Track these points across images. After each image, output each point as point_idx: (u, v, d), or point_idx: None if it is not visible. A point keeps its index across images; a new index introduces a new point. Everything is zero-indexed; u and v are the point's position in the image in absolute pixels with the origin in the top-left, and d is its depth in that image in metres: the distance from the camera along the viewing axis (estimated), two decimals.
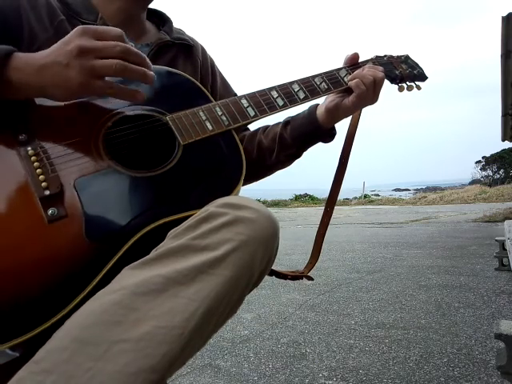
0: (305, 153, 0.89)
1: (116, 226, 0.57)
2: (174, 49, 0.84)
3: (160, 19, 0.89)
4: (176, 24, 0.89)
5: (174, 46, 0.84)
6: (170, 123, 0.68)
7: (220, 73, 0.96)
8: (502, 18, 4.41)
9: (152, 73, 0.60)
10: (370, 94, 0.79)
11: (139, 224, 0.58)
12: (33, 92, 0.59)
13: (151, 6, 0.84)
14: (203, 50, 0.92)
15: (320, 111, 0.83)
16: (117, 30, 0.59)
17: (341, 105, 0.81)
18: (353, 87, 0.79)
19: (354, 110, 0.83)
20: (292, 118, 0.87)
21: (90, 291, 0.53)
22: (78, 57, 0.55)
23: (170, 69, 0.75)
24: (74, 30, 0.57)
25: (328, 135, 0.85)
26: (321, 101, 0.84)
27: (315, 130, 0.83)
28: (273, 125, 0.90)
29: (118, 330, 0.45)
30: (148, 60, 0.60)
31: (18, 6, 0.67)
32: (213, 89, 0.90)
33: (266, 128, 0.91)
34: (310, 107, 0.85)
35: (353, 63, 0.85)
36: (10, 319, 0.50)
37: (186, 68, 0.76)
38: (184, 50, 0.86)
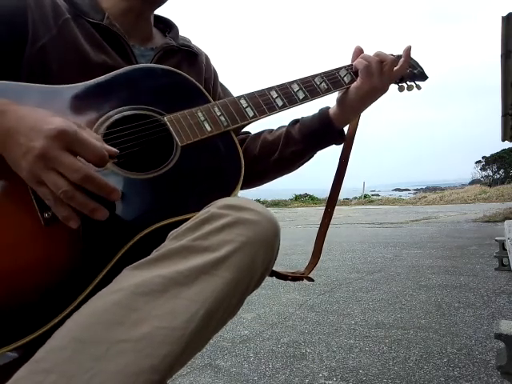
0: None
1: (113, 229, 0.57)
2: (178, 55, 0.84)
3: (166, 26, 0.89)
4: (176, 24, 0.89)
5: (178, 52, 0.84)
6: (168, 124, 0.67)
7: (222, 84, 0.95)
8: (502, 18, 4.41)
9: (105, 212, 0.53)
10: (376, 72, 0.78)
11: (137, 227, 0.58)
12: None
13: (158, 12, 0.84)
14: (207, 58, 0.92)
15: (332, 109, 0.83)
16: (98, 151, 0.52)
17: (349, 90, 0.80)
18: (356, 64, 0.80)
19: (363, 96, 0.80)
20: (302, 117, 0.86)
21: (88, 294, 0.53)
22: (36, 158, 0.50)
23: (169, 67, 0.75)
24: (54, 127, 0.50)
25: (339, 135, 0.84)
26: (321, 101, 0.84)
27: (325, 128, 0.82)
28: (280, 126, 0.89)
29: (118, 330, 0.45)
30: (114, 193, 0.53)
31: (24, 7, 0.66)
32: (213, 99, 0.90)
33: (272, 130, 0.90)
34: (321, 108, 0.85)
35: (357, 57, 0.84)
36: (8, 323, 0.50)
37: (190, 75, 0.76)
38: (188, 57, 0.86)
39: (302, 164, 0.89)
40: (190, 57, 0.87)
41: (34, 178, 0.51)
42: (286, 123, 0.87)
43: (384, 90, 0.81)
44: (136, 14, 0.79)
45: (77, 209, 0.52)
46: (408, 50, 0.82)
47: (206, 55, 0.92)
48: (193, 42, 0.91)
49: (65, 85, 0.65)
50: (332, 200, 0.89)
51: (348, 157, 0.88)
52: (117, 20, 0.76)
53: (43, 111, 0.54)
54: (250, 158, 0.85)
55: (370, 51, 0.84)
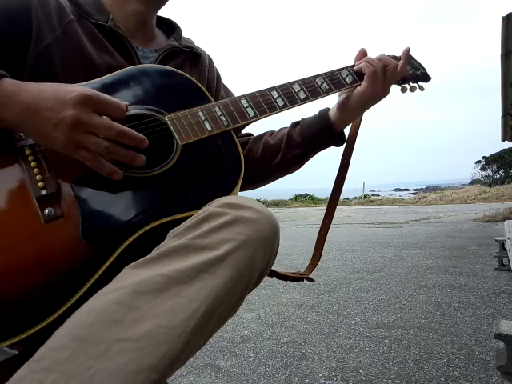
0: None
1: (113, 226, 0.57)
2: (181, 56, 0.84)
3: (169, 27, 0.89)
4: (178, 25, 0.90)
5: (181, 53, 0.84)
6: (169, 123, 0.67)
7: (224, 85, 0.95)
8: (502, 18, 4.41)
9: (143, 157, 0.59)
10: (381, 77, 0.78)
11: (136, 225, 0.58)
12: (8, 125, 0.55)
13: (161, 13, 0.85)
14: (210, 60, 0.92)
15: (332, 110, 0.83)
16: (119, 105, 0.57)
17: (352, 94, 0.80)
18: (362, 67, 0.80)
19: (366, 100, 0.80)
20: (302, 119, 0.86)
21: (86, 291, 0.53)
22: (71, 127, 0.53)
23: (170, 68, 0.75)
24: (77, 94, 0.54)
25: (339, 137, 0.84)
26: (322, 102, 0.84)
27: (326, 130, 0.82)
28: (281, 128, 0.89)
29: (118, 329, 0.45)
30: (144, 141, 0.59)
31: (28, 6, 0.66)
32: (216, 100, 0.90)
33: (273, 131, 0.90)
34: (321, 109, 0.85)
35: (361, 59, 0.84)
36: (6, 318, 0.51)
37: (193, 76, 0.76)
38: (191, 58, 0.86)
39: (303, 164, 0.89)
40: (193, 58, 0.87)
41: (71, 146, 0.54)
42: (289, 124, 0.87)
43: (386, 93, 0.81)
44: (141, 17, 0.79)
45: (120, 160, 0.57)
46: (406, 52, 0.82)
47: (209, 57, 0.92)
48: (196, 43, 0.90)
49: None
50: (333, 201, 0.88)
51: (349, 158, 0.88)
52: (121, 21, 0.76)
53: (58, 84, 0.57)
54: (252, 161, 0.85)
55: (372, 52, 0.84)
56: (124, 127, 0.57)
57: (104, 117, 0.56)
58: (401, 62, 0.81)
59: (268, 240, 0.54)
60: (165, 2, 0.81)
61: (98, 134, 0.55)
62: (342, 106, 0.81)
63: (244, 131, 0.94)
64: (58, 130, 0.53)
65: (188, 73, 0.76)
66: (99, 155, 0.56)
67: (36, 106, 0.54)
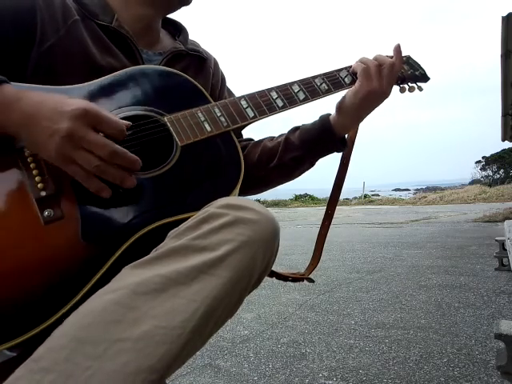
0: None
1: (113, 227, 0.57)
2: (186, 59, 0.83)
3: (176, 28, 0.89)
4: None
5: (187, 57, 0.83)
6: (169, 124, 0.67)
7: (229, 89, 0.95)
8: (502, 18, 4.42)
9: (133, 180, 0.58)
10: (376, 75, 0.77)
11: (136, 226, 0.58)
12: (5, 131, 0.55)
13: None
14: (216, 63, 0.92)
15: (332, 115, 0.82)
16: (118, 124, 0.56)
17: (347, 94, 0.79)
18: (355, 66, 0.79)
19: (362, 99, 0.77)
20: (303, 124, 0.85)
21: (86, 292, 0.53)
22: (64, 139, 0.52)
23: (170, 69, 0.75)
24: (77, 107, 0.53)
25: (340, 142, 0.82)
26: (322, 103, 0.83)
27: (325, 134, 0.80)
28: (281, 134, 0.88)
29: (117, 329, 0.45)
30: (136, 163, 0.57)
31: (33, 5, 0.66)
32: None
33: (273, 137, 0.89)
34: (321, 115, 0.83)
35: None
36: (5, 321, 0.50)
37: (197, 80, 0.75)
38: (197, 62, 0.86)
39: (303, 171, 0.87)
40: (199, 62, 0.86)
41: (62, 158, 0.54)
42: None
43: (385, 93, 0.79)
44: (147, 21, 0.79)
45: (109, 180, 0.56)
46: (397, 48, 0.80)
47: (214, 60, 0.92)
48: (202, 46, 0.90)
49: (68, 86, 0.65)
50: (333, 202, 0.88)
51: (349, 159, 0.88)
52: (126, 22, 0.75)
53: (59, 95, 0.57)
54: (250, 165, 0.85)
55: (371, 52, 0.83)
56: (117, 147, 0.55)
57: (101, 134, 0.55)
58: (393, 58, 0.80)
59: (268, 241, 0.54)
60: (175, 9, 0.81)
61: (90, 150, 0.53)
62: (340, 108, 0.80)
63: (245, 136, 0.94)
64: (52, 140, 0.52)
65: (192, 77, 0.76)
66: (89, 172, 0.55)
67: (34, 115, 0.53)
